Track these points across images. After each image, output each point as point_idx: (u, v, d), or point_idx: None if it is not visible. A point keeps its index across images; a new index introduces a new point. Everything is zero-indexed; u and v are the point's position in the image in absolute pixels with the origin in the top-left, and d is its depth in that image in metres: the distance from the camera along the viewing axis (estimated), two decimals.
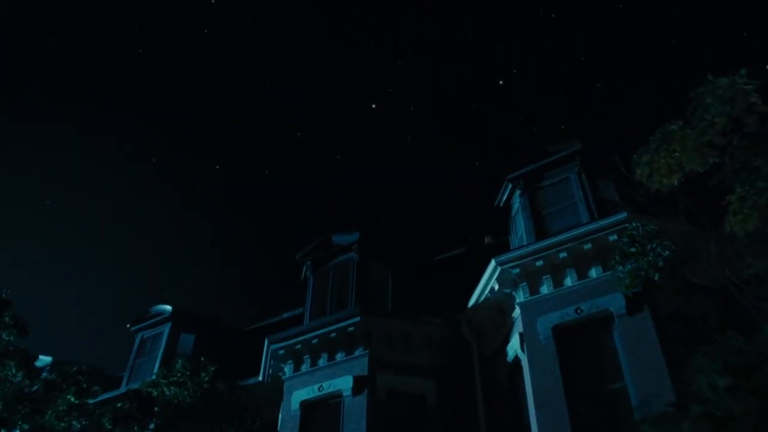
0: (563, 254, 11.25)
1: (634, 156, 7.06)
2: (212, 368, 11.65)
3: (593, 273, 11.07)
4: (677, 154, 6.25)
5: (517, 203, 13.41)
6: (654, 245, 7.76)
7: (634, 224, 8.61)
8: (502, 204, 14.01)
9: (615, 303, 10.43)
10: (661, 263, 7.72)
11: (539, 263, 11.44)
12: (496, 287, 11.94)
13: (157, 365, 16.82)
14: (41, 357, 19.95)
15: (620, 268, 9.11)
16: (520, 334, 11.30)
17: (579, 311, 10.74)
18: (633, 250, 8.04)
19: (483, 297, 12.36)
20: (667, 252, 7.77)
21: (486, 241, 16.47)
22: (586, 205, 12.02)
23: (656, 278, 8.11)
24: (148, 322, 17.94)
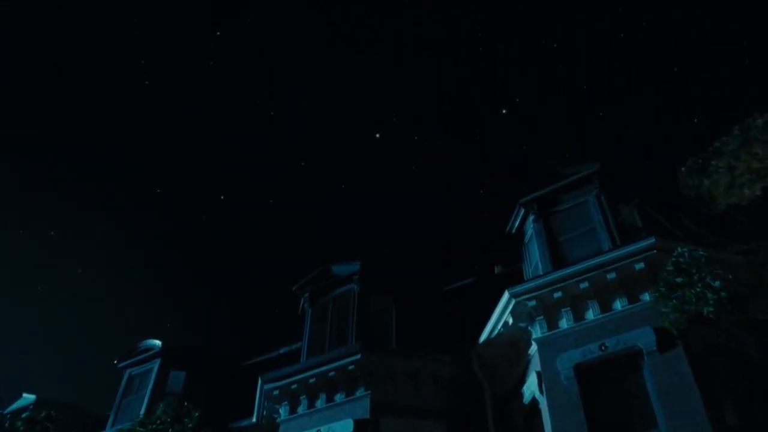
0: (584, 284, 10.23)
1: (684, 168, 6.07)
2: (196, 414, 10.56)
3: (618, 305, 10.03)
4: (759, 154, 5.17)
5: (530, 229, 12.43)
6: (703, 274, 6.71)
7: (680, 250, 7.55)
8: (514, 230, 13.03)
9: (644, 338, 9.38)
10: (711, 296, 6.67)
11: (557, 295, 10.41)
12: (510, 321, 10.90)
13: (145, 404, 15.75)
14: (24, 395, 18.86)
15: (650, 296, 8.13)
16: (538, 374, 10.23)
17: (603, 348, 9.67)
18: (680, 280, 7.00)
19: (496, 332, 11.31)
20: (718, 282, 6.71)
21: (496, 270, 15.44)
22: (607, 231, 11.03)
23: (705, 313, 7.04)
24: (137, 358, 16.87)
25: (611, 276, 10.06)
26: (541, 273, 11.19)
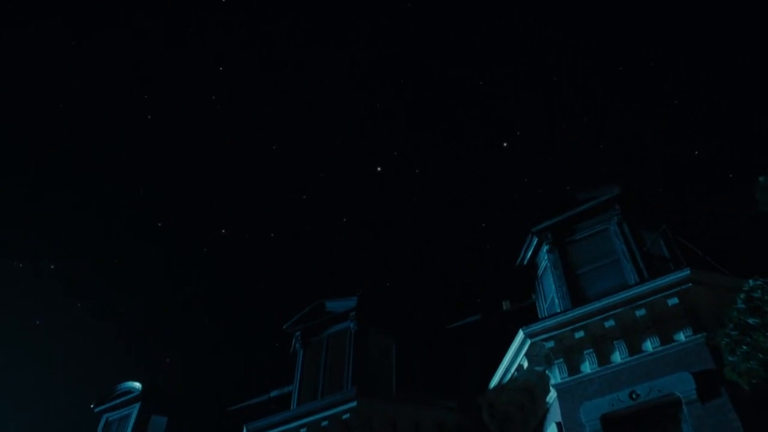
0: (609, 323, 9.02)
1: (762, 180, 4.92)
2: None
3: (648, 346, 8.82)
4: None
5: (544, 261, 11.26)
6: None
7: (753, 283, 6.34)
8: (525, 262, 11.85)
9: (681, 385, 8.16)
10: None
11: (579, 335, 9.20)
12: (525, 365, 9.66)
13: None
14: None
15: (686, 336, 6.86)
16: (558, 425, 8.97)
17: (635, 396, 8.42)
18: (754, 321, 5.79)
19: (508, 376, 10.05)
20: None
21: (504, 306, 14.19)
22: (632, 262, 9.86)
23: None
24: (115, 402, 15.51)
25: (640, 313, 8.86)
26: (558, 310, 9.98)
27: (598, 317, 9.06)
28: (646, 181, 10.78)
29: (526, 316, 11.73)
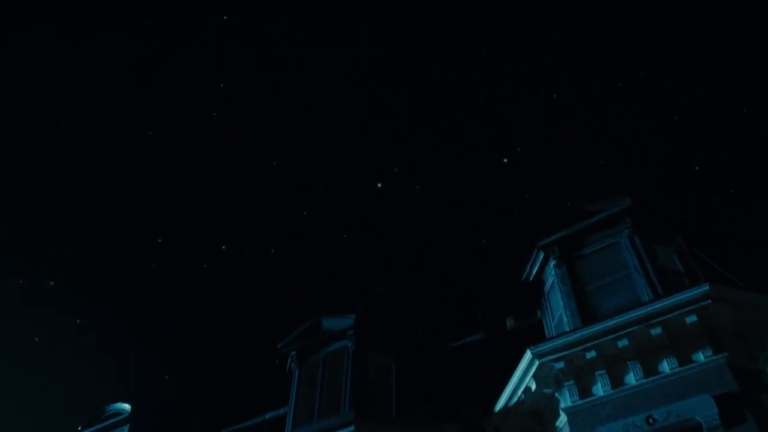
0: (623, 342, 8.48)
1: None
2: None
3: (665, 367, 8.28)
4: None
5: (551, 276, 10.73)
6: None
7: None
8: (531, 278, 11.31)
9: (703, 409, 7.60)
10: None
11: (590, 355, 8.65)
12: (533, 387, 9.10)
13: None
14: None
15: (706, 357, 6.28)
16: None
17: (651, 421, 7.86)
18: None
19: (515, 399, 9.47)
20: None
21: (508, 324, 13.61)
22: (645, 277, 9.32)
23: None
24: (103, 425, 14.89)
25: (656, 332, 8.33)
26: (568, 328, 9.43)
27: (611, 336, 8.52)
28: (657, 192, 10.28)
29: (532, 334, 11.18)
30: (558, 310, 10.34)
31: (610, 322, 8.59)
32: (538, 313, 11.65)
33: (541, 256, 10.95)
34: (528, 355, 9.03)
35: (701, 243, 9.73)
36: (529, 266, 11.31)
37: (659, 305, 8.35)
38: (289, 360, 12.68)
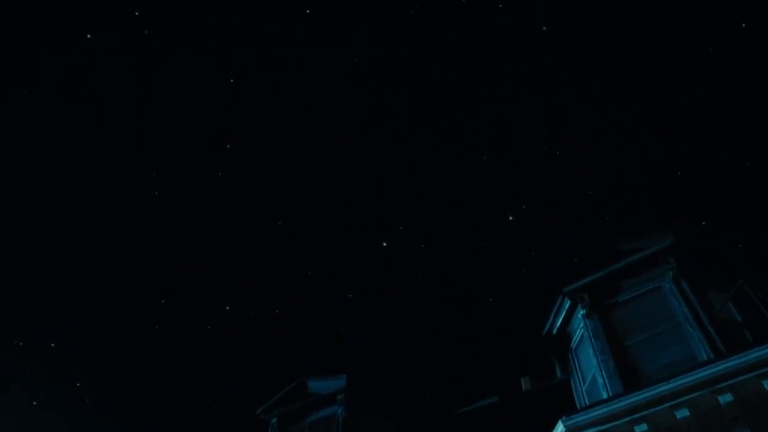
0: (682, 413, 6.69)
1: None
2: None
3: None
4: None
5: (580, 328, 8.99)
6: None
7: None
8: (555, 330, 9.57)
9: None
10: None
11: (641, 429, 6.84)
12: None
13: None
14: None
15: None
16: None
17: None
18: None
19: None
20: None
21: (523, 385, 11.74)
22: (701, 330, 7.59)
23: None
24: None
25: (725, 399, 6.55)
26: (606, 393, 7.64)
27: (667, 405, 6.73)
28: (706, 225, 8.63)
29: (556, 398, 9.42)
30: (590, 369, 8.56)
31: (664, 387, 6.81)
32: (558, 371, 9.87)
33: (567, 304, 9.22)
34: (560, 429, 7.21)
35: (762, 286, 8.04)
36: (552, 316, 9.57)
37: (728, 365, 6.60)
38: (269, 429, 10.83)
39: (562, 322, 9.43)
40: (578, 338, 9.14)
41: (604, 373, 7.99)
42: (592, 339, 8.51)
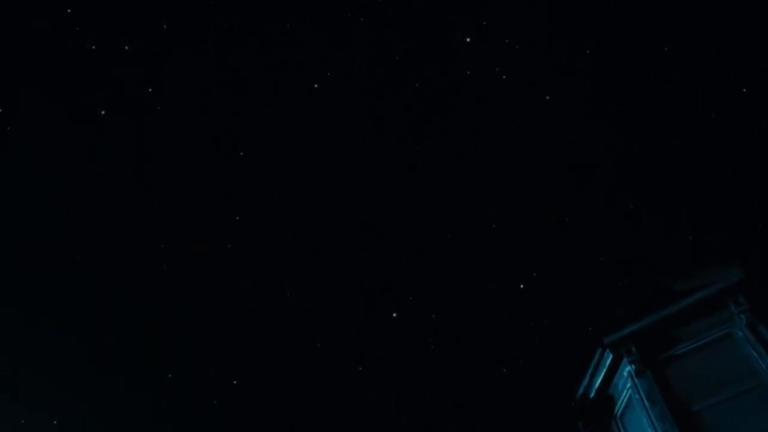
0: None
1: None
2: None
3: None
4: None
5: (627, 389, 7.19)
6: None
7: None
8: (593, 392, 7.73)
9: None
10: None
11: None
12: None
13: None
14: None
15: None
16: None
17: None
18: None
19: None
20: None
21: None
22: None
23: None
24: None
25: None
26: None
27: None
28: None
29: None
30: None
31: None
32: None
33: (609, 359, 7.41)
34: None
35: None
36: (588, 375, 7.75)
37: None
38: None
39: (602, 381, 7.60)
40: (624, 402, 7.32)
41: None
42: (646, 403, 6.71)
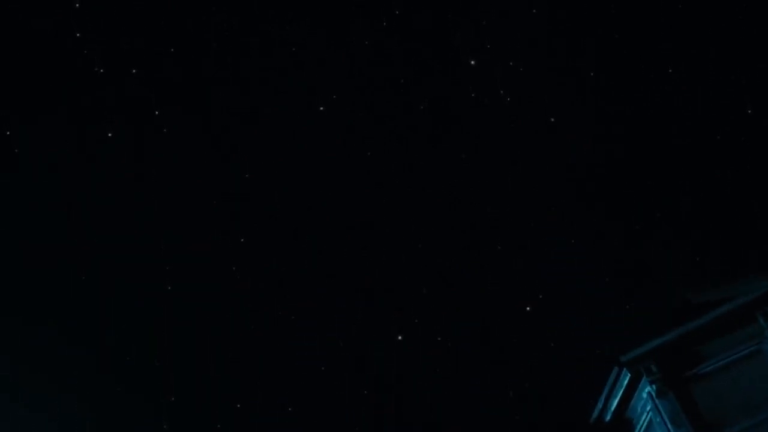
0: None
1: None
2: None
3: None
4: None
5: (647, 411, 6.69)
6: None
7: None
8: (609, 415, 7.18)
9: None
10: None
11: None
12: None
13: None
14: None
15: None
16: None
17: None
18: None
19: None
20: None
21: None
22: None
23: None
24: None
25: None
26: None
27: None
28: None
29: None
30: None
31: None
32: None
33: (626, 378, 6.89)
34: None
35: None
36: (604, 397, 7.22)
37: None
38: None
39: (619, 403, 7.11)
40: (644, 426, 6.82)
41: None
42: (670, 426, 6.19)
